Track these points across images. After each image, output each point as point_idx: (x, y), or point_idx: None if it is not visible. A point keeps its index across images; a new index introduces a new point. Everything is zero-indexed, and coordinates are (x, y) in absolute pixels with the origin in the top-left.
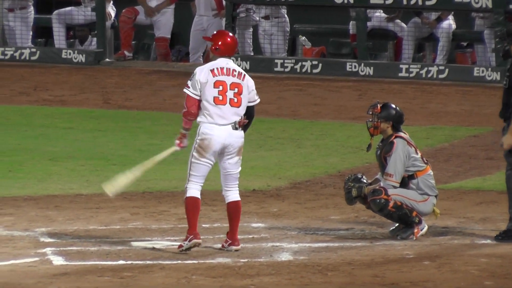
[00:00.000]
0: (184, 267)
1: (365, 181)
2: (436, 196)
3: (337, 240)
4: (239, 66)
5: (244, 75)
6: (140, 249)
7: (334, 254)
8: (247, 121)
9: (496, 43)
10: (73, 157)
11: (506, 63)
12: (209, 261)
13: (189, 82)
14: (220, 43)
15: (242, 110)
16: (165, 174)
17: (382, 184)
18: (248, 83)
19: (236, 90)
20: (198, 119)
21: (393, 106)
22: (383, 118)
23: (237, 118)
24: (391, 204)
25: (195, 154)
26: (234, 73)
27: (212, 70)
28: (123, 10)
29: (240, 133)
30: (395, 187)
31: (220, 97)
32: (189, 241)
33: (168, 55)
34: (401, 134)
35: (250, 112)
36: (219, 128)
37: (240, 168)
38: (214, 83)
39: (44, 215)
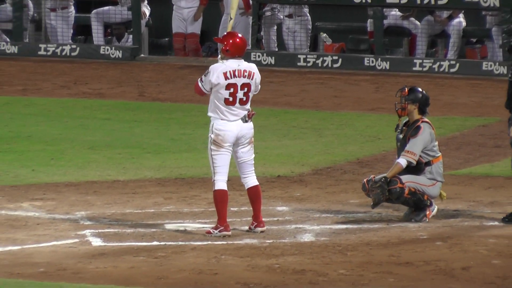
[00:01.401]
0: (214, 247)
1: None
2: (442, 182)
3: (356, 222)
4: (264, 61)
5: (254, 73)
6: (173, 231)
7: (353, 235)
8: (255, 112)
9: (502, 39)
10: (110, 146)
11: (511, 58)
12: (237, 242)
13: (203, 77)
14: (230, 44)
15: (248, 105)
16: (196, 162)
17: (402, 163)
18: (256, 79)
19: (245, 89)
20: (210, 113)
21: (420, 89)
22: (410, 100)
23: (245, 112)
24: (406, 191)
25: (213, 147)
26: (245, 73)
27: (225, 73)
28: (188, 38)
29: (250, 124)
30: (411, 163)
31: (231, 99)
32: (219, 231)
33: (198, 50)
34: (426, 119)
35: None
36: (231, 123)
37: (253, 155)
38: (226, 85)
39: (83, 200)
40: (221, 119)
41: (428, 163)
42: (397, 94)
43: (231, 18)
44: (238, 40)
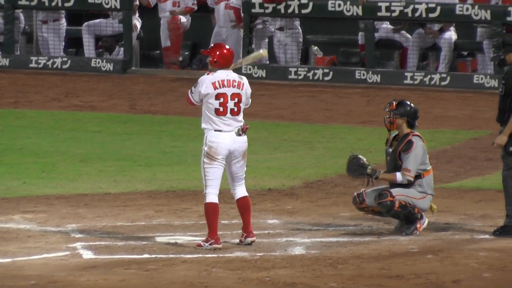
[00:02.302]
0: (205, 260)
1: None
2: (432, 195)
3: (347, 235)
4: (255, 74)
5: (243, 84)
6: (164, 244)
7: (344, 248)
8: (249, 127)
9: (493, 52)
10: (102, 159)
11: (502, 71)
12: (227, 255)
13: (193, 88)
14: (218, 56)
15: (241, 116)
16: (187, 174)
17: (398, 177)
18: (247, 90)
19: (236, 100)
20: (203, 125)
21: (408, 102)
22: (398, 114)
23: (239, 124)
24: (397, 204)
25: (205, 160)
26: (234, 83)
27: (213, 83)
28: (169, 19)
29: (244, 138)
30: (409, 181)
31: (221, 109)
32: (210, 244)
33: (178, 29)
34: (417, 133)
35: None
36: (224, 135)
37: (245, 169)
38: (215, 95)
39: (74, 213)
40: (215, 130)
41: (419, 176)
42: (386, 108)
43: (241, 63)
44: (225, 51)
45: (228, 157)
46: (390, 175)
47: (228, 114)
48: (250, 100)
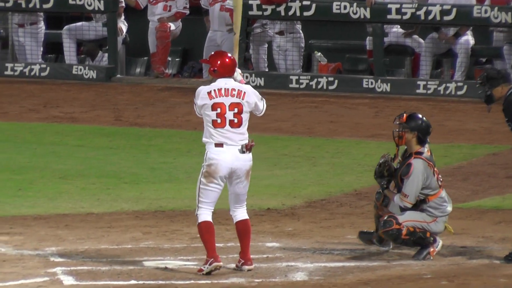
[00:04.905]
0: (197, 287)
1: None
2: (445, 216)
3: (353, 260)
4: (253, 82)
5: (245, 92)
6: (152, 269)
7: (350, 274)
8: (254, 144)
9: (477, 88)
10: (84, 175)
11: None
12: (222, 281)
13: (194, 100)
14: (218, 65)
15: (243, 129)
16: (178, 193)
17: (395, 199)
18: (249, 99)
19: (236, 110)
20: (204, 139)
21: (420, 116)
22: (408, 128)
23: (241, 138)
24: (404, 232)
25: (203, 179)
26: (233, 92)
27: (209, 93)
28: (157, 26)
29: (248, 156)
30: (406, 207)
31: (219, 120)
32: (210, 264)
33: (167, 38)
34: (422, 153)
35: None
36: (225, 152)
37: (247, 189)
38: (211, 106)
39: (54, 234)
40: (215, 145)
41: (423, 201)
42: (395, 120)
43: (234, 33)
44: (227, 60)
45: (229, 176)
46: (392, 194)
47: (227, 126)
48: (263, 105)
